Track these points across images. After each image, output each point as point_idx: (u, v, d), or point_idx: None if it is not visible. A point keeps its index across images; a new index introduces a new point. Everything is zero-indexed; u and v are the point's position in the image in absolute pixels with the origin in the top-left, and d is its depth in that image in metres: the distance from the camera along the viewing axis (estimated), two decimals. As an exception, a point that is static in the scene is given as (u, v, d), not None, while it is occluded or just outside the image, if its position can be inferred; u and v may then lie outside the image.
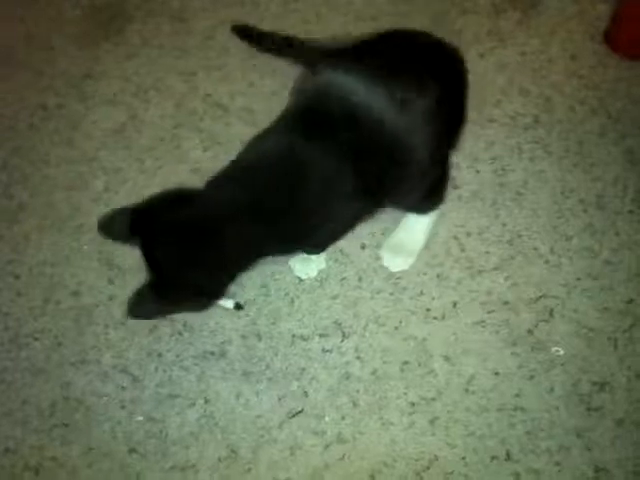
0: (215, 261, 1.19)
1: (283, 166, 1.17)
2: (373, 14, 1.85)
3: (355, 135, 1.15)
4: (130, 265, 1.50)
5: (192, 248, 1.16)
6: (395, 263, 1.44)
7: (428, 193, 1.36)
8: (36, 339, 1.44)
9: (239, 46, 1.82)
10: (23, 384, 1.38)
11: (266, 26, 1.80)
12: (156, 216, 1.18)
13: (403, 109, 1.15)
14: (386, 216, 1.43)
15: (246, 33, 1.75)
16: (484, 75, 1.71)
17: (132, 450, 1.31)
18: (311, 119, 1.17)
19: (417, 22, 1.76)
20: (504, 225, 1.48)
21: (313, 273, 1.45)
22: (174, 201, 1.20)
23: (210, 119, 1.71)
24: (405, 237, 1.44)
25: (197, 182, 1.58)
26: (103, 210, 1.55)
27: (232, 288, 1.39)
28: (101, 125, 1.74)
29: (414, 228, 1.44)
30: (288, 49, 1.63)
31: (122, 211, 1.20)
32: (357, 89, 1.15)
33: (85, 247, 1.54)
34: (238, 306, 1.41)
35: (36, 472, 1.30)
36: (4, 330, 1.45)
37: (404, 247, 1.44)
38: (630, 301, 1.36)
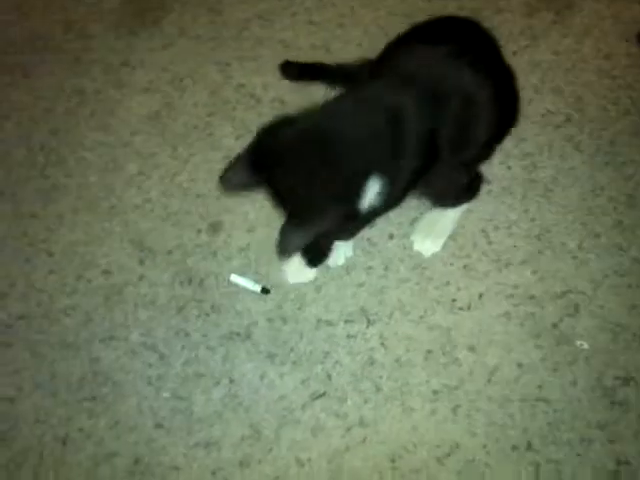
0: (341, 179, 1.12)
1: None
2: (406, 10, 1.87)
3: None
4: (161, 247, 1.53)
5: (319, 166, 1.10)
6: (425, 246, 1.46)
7: (463, 190, 1.40)
8: (67, 315, 1.47)
9: (273, 38, 1.86)
10: (53, 358, 1.42)
11: (300, 19, 1.83)
12: (277, 147, 1.12)
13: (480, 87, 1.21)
14: (414, 207, 1.45)
15: (292, 71, 1.71)
16: (517, 73, 1.70)
17: (158, 425, 1.33)
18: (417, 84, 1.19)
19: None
20: (533, 220, 1.48)
21: (341, 261, 1.47)
22: (286, 128, 1.13)
23: (243, 108, 1.73)
24: (435, 220, 1.46)
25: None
26: (135, 193, 1.62)
27: (261, 270, 1.43)
28: (136, 111, 1.77)
29: (444, 212, 1.46)
30: (335, 77, 1.62)
31: (239, 158, 1.15)
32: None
33: (117, 228, 1.57)
34: (265, 290, 1.44)
35: (64, 442, 1.33)
36: (37, 305, 1.48)
37: (434, 230, 1.46)
38: (657, 299, 1.36)
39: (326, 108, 1.15)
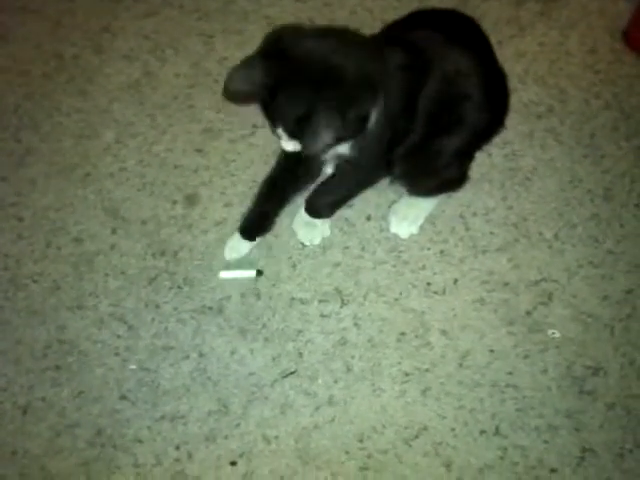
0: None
1: None
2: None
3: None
4: (135, 217, 1.50)
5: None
6: (402, 228, 1.45)
7: (444, 184, 1.42)
8: (35, 281, 1.43)
9: (258, 13, 1.83)
10: (18, 324, 1.38)
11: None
12: (295, 48, 1.09)
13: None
14: (392, 190, 1.44)
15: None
16: (502, 62, 1.70)
17: (123, 397, 1.31)
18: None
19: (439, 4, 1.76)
20: (510, 208, 1.48)
21: (317, 240, 1.45)
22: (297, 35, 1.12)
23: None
24: (413, 203, 1.45)
25: (209, 142, 1.60)
26: (111, 161, 1.58)
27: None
28: (115, 79, 1.73)
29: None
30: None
31: (249, 58, 1.11)
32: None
33: (91, 196, 1.54)
34: (259, 272, 1.42)
35: (24, 411, 1.30)
36: (3, 270, 1.44)
37: (411, 212, 1.45)
38: (630, 291, 1.37)
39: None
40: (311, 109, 1.06)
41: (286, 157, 1.34)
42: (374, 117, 1.13)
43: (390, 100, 1.15)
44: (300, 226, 1.45)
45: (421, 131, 1.21)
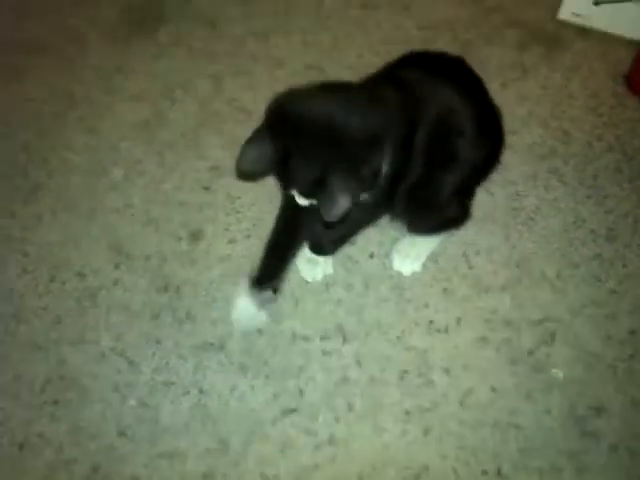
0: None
1: None
2: (400, 38, 1.90)
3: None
4: (139, 253, 1.51)
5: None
6: (405, 266, 1.46)
7: (445, 222, 1.42)
8: (37, 316, 1.44)
9: (267, 56, 1.87)
10: (19, 359, 1.38)
11: (295, 39, 1.85)
12: (297, 112, 1.08)
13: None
14: (395, 227, 1.45)
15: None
16: (505, 105, 1.70)
17: (121, 433, 1.29)
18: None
19: (444, 49, 1.79)
20: (513, 247, 1.48)
21: (319, 276, 1.45)
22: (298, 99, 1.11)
23: (233, 122, 1.74)
24: (416, 240, 1.46)
25: (215, 179, 1.63)
26: (118, 198, 1.60)
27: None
28: (125, 118, 1.77)
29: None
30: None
31: (256, 131, 1.10)
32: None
33: (95, 231, 1.55)
34: (275, 291, 1.39)
35: (21, 447, 1.28)
36: (7, 304, 1.45)
37: (414, 250, 1.46)
38: (632, 332, 1.36)
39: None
40: (324, 173, 1.05)
41: (288, 207, 1.33)
42: (385, 167, 1.13)
43: (396, 144, 1.15)
44: (303, 263, 1.46)
45: (419, 168, 1.22)
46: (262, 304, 1.36)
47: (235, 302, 1.38)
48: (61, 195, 1.61)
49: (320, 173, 1.05)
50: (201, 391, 1.33)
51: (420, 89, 1.21)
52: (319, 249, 1.43)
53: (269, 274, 1.36)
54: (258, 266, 1.36)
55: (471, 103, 1.25)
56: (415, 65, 1.32)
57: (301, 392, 1.32)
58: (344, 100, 1.10)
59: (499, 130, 1.36)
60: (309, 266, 1.45)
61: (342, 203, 1.04)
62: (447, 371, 1.33)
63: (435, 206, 1.34)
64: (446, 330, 1.38)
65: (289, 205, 1.32)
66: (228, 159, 1.65)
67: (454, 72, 1.31)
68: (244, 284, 1.36)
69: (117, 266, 1.50)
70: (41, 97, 1.81)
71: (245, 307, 1.36)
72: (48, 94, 1.81)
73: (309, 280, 1.45)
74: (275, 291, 1.38)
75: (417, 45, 1.83)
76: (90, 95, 1.82)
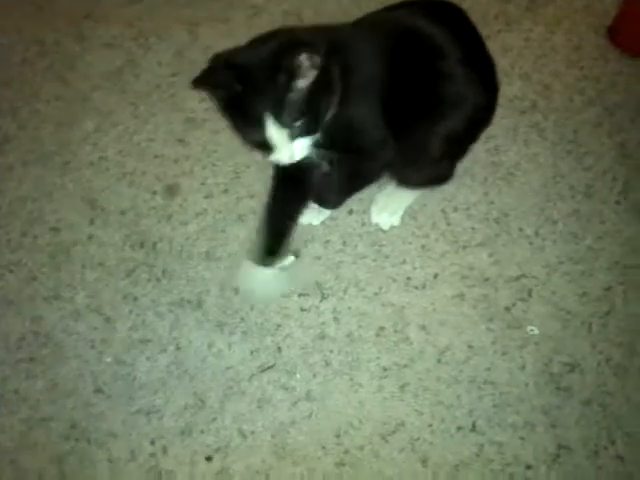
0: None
1: None
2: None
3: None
4: (114, 207, 1.48)
5: None
6: (383, 219, 1.45)
7: (434, 178, 1.41)
8: (10, 271, 1.41)
9: (245, 2, 1.81)
10: (-7, 315, 1.36)
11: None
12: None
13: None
14: (374, 185, 1.43)
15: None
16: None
17: (98, 390, 1.29)
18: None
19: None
20: (492, 203, 1.47)
21: (316, 220, 1.45)
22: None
23: (208, 71, 1.68)
24: (394, 193, 1.45)
25: (191, 131, 1.59)
26: (91, 150, 1.56)
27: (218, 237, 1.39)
28: (97, 67, 1.71)
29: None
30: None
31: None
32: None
33: (69, 185, 1.52)
34: (296, 254, 1.39)
35: (-3, 404, 1.28)
36: (-22, 259, 1.42)
37: (392, 203, 1.45)
38: (609, 288, 1.36)
39: None
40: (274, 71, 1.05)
41: (280, 176, 1.31)
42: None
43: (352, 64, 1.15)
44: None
45: (402, 109, 1.19)
46: (281, 272, 1.34)
47: (250, 276, 1.33)
48: (32, 147, 1.57)
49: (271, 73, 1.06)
50: (178, 348, 1.33)
51: (402, 21, 1.21)
52: (324, 202, 1.41)
53: (278, 241, 1.32)
54: (261, 237, 1.31)
55: (461, 47, 1.21)
56: (409, 7, 1.28)
57: (279, 349, 1.32)
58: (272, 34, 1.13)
59: (493, 82, 1.30)
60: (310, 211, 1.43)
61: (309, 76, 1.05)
62: (424, 328, 1.33)
63: (427, 160, 1.30)
64: (423, 287, 1.38)
65: (281, 172, 1.31)
66: (204, 111, 1.61)
67: (449, 18, 1.26)
68: (250, 261, 1.31)
69: (92, 221, 1.47)
70: (8, 43, 1.74)
71: (264, 279, 1.33)
72: (16, 40, 1.74)
73: (314, 223, 1.45)
74: (297, 255, 1.38)
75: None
76: (60, 42, 1.75)
